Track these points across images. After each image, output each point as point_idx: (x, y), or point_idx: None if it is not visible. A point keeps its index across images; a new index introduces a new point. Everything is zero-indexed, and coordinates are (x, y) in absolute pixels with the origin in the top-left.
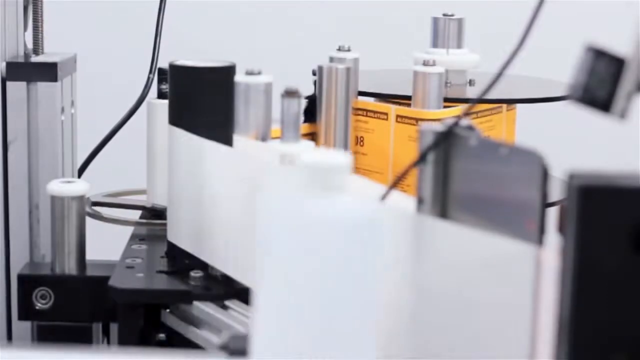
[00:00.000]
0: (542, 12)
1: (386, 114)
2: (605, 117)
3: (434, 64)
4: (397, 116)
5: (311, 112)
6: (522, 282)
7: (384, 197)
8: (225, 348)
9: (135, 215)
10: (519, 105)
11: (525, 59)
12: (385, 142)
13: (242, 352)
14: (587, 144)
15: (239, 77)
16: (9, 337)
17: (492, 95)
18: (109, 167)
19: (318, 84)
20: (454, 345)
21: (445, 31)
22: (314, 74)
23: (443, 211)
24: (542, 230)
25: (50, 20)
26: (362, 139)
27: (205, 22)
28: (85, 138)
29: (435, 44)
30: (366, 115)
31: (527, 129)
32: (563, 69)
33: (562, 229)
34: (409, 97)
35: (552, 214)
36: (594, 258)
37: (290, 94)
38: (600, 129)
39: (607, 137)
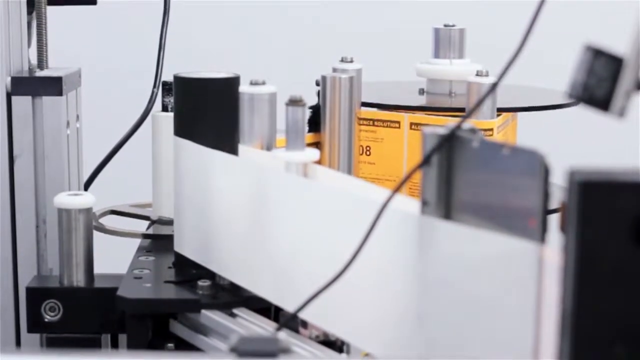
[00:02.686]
0: (540, 21)
1: (398, 122)
2: (604, 116)
3: (487, 75)
4: (411, 124)
5: (315, 122)
6: (526, 279)
7: (389, 199)
8: (234, 350)
9: (140, 227)
10: (520, 115)
11: (525, 68)
12: (397, 150)
13: (252, 354)
14: (587, 152)
15: (244, 88)
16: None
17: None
18: (114, 180)
19: (322, 94)
20: (459, 343)
21: (446, 42)
22: (317, 84)
23: (447, 212)
24: (544, 228)
25: (54, 35)
26: (368, 148)
27: (209, 34)
28: (89, 152)
29: (437, 55)
30: (374, 125)
31: (529, 138)
32: (561, 76)
33: (564, 227)
34: (413, 108)
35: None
36: (595, 252)
37: (294, 102)
38: (599, 137)
39: (607, 144)
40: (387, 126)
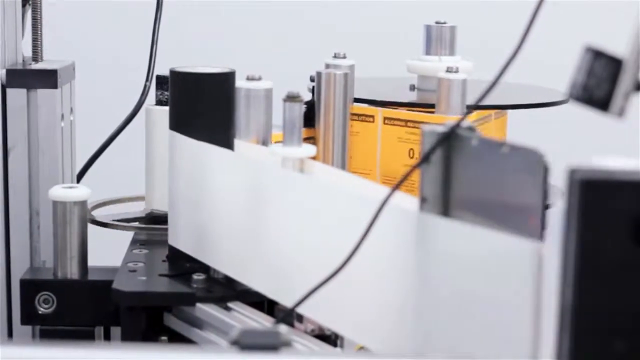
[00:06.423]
0: (537, 20)
1: (372, 116)
2: (604, 116)
3: (457, 71)
4: (385, 118)
5: (309, 117)
6: (525, 277)
7: (389, 196)
8: (236, 343)
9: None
10: (510, 112)
11: (519, 66)
12: (371, 143)
13: (254, 347)
14: (579, 151)
15: (240, 83)
16: None
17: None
18: (106, 173)
19: (316, 90)
20: (457, 340)
21: (437, 39)
22: (312, 80)
23: (445, 210)
24: (543, 226)
25: (47, 28)
26: None
27: (203, 30)
28: (81, 144)
29: (428, 52)
30: (350, 119)
31: (519, 136)
32: (555, 75)
33: None
34: (403, 104)
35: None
36: (595, 250)
37: (292, 98)
38: (594, 137)
39: (598, 144)
40: (362, 120)
